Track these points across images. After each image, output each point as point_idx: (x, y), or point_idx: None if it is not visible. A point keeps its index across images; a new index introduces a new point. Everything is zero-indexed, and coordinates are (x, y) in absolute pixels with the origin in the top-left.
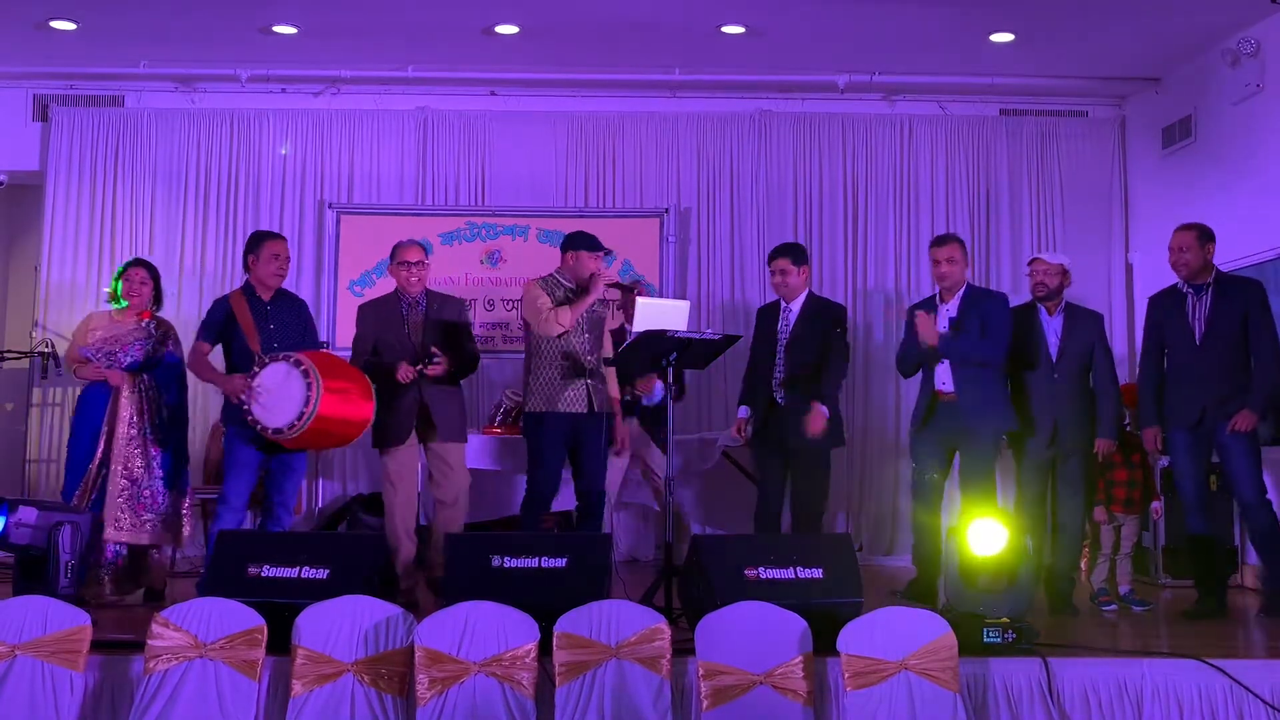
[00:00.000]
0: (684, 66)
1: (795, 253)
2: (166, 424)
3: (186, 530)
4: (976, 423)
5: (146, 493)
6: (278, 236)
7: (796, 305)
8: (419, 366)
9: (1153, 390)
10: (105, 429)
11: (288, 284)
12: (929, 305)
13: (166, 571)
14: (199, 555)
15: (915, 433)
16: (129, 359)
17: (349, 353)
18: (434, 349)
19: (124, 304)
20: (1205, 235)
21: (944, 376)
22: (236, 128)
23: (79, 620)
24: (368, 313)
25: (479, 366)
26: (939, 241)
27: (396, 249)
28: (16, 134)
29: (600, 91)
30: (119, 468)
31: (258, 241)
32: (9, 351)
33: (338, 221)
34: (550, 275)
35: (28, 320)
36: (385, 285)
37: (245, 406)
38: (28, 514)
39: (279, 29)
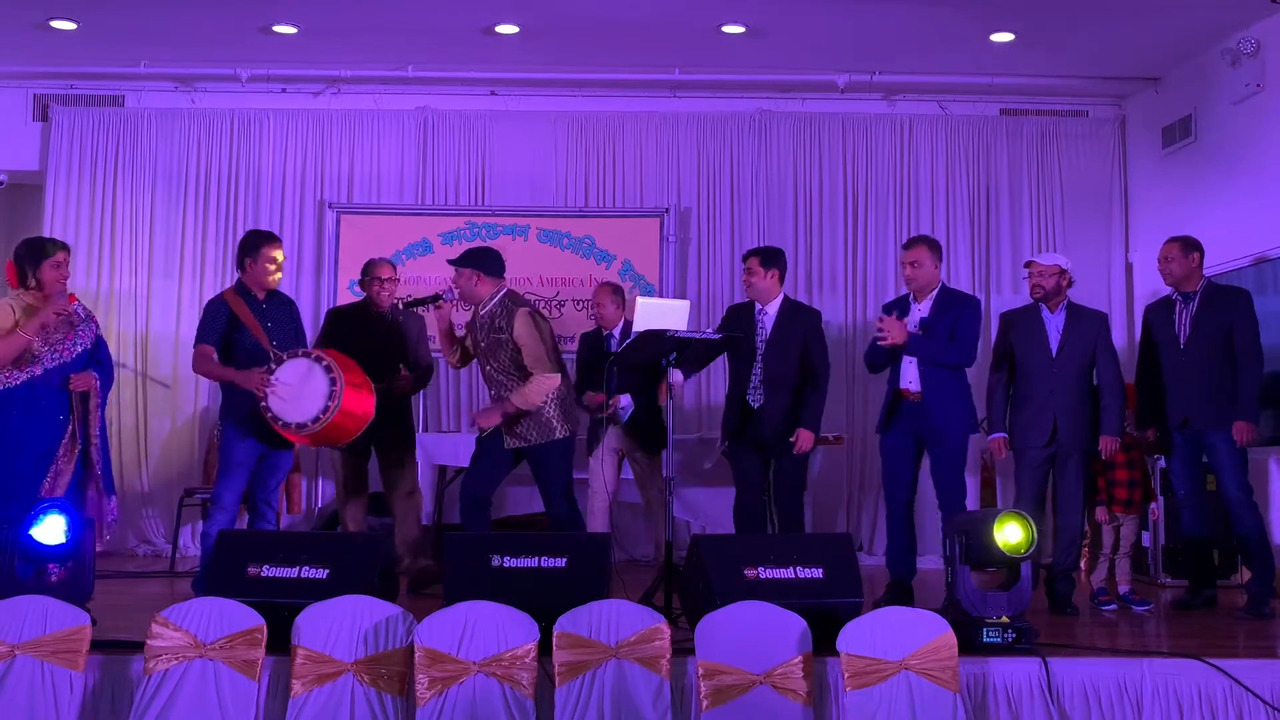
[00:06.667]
0: (684, 66)
1: (765, 253)
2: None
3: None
4: (942, 422)
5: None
6: (275, 240)
7: (772, 309)
8: (381, 386)
9: (1146, 393)
10: (69, 433)
11: (287, 282)
12: (902, 305)
13: None
14: (199, 555)
15: (881, 432)
16: (76, 351)
17: None
18: (402, 368)
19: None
20: (1189, 245)
21: (910, 376)
22: (236, 128)
23: (79, 620)
24: (335, 318)
25: (433, 373)
26: (907, 245)
27: (370, 266)
28: (16, 134)
29: (600, 91)
30: (98, 474)
31: (255, 245)
32: None
33: (338, 221)
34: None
35: None
36: None
37: (263, 402)
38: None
39: (279, 29)
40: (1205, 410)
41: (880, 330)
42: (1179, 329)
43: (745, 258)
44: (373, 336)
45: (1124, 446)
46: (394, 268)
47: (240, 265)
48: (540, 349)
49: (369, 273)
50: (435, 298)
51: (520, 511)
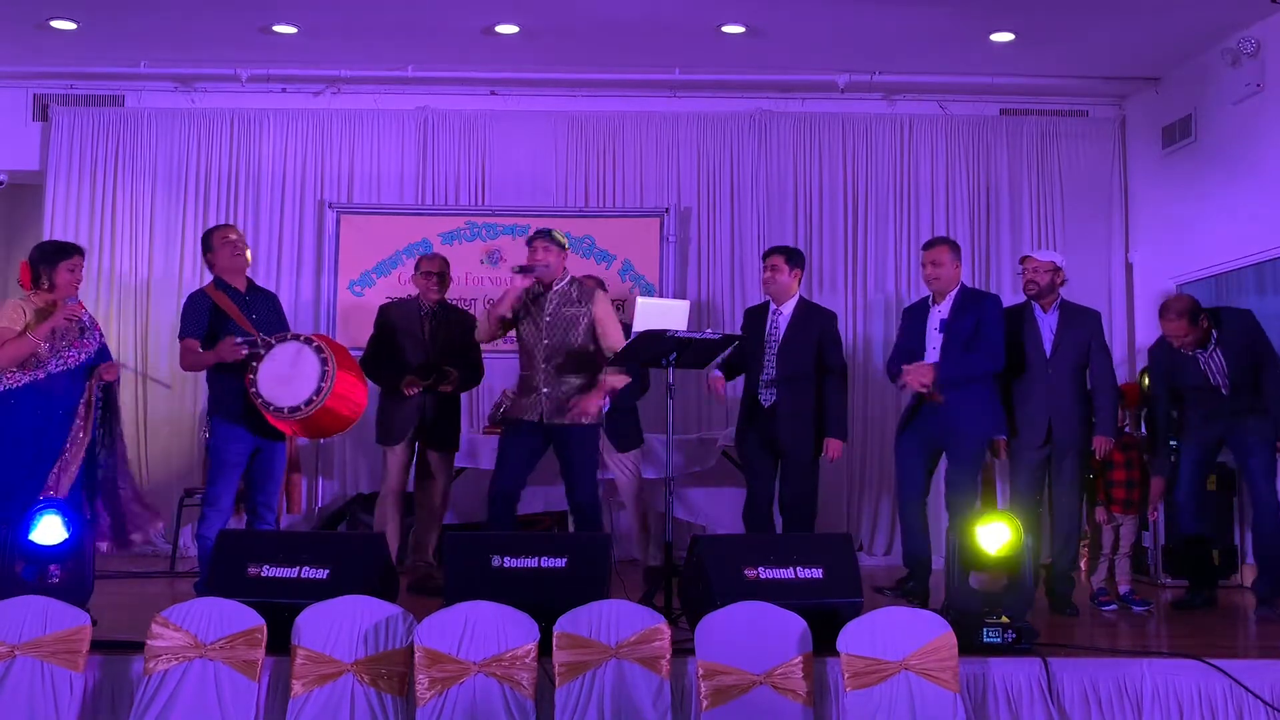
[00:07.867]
0: (684, 66)
1: (790, 253)
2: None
3: None
4: (963, 425)
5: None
6: (225, 225)
7: (787, 309)
8: (427, 383)
9: (1168, 439)
10: (72, 434)
11: (286, 282)
12: (922, 307)
13: None
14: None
15: (900, 432)
16: (81, 359)
17: (358, 352)
18: (448, 368)
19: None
20: (1194, 314)
21: None
22: (236, 128)
23: (79, 620)
24: (387, 313)
25: (483, 373)
26: (927, 245)
27: (421, 260)
28: (16, 134)
29: (600, 91)
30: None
31: (208, 236)
32: None
33: (338, 221)
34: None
35: None
36: (385, 286)
37: (252, 389)
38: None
39: (279, 29)
40: (1243, 428)
41: (904, 385)
42: (1216, 379)
43: (767, 255)
44: (421, 332)
45: (1121, 446)
46: (446, 262)
47: (208, 264)
48: (620, 330)
49: (418, 267)
50: (532, 268)
51: (522, 511)
